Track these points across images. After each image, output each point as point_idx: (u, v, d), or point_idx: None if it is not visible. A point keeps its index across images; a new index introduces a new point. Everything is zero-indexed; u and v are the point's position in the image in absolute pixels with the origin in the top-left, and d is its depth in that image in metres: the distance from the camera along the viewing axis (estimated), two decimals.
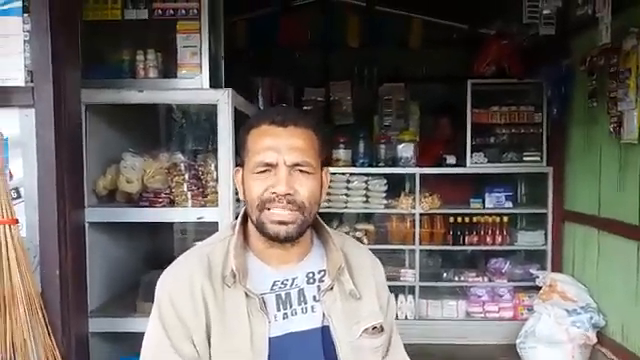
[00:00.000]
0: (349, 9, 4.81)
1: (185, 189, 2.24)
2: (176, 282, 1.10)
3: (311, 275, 1.15)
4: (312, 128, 1.13)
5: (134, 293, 2.37)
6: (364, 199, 4.01)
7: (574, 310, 3.28)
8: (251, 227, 1.13)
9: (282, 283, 1.12)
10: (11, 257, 1.55)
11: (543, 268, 3.95)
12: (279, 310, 1.10)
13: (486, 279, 4.05)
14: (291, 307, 1.11)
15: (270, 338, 1.06)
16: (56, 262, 1.62)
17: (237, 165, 1.18)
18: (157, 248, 2.94)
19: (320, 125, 1.18)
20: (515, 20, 3.65)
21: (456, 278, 4.09)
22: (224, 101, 2.17)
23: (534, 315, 3.52)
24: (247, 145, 1.11)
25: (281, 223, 1.06)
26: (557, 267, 3.90)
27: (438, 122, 4.45)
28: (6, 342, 1.55)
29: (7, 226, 1.55)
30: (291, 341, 1.09)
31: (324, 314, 1.11)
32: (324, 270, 1.15)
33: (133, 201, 2.30)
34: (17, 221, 1.58)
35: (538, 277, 3.78)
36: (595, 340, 3.18)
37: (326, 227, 1.21)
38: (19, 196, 1.64)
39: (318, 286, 1.13)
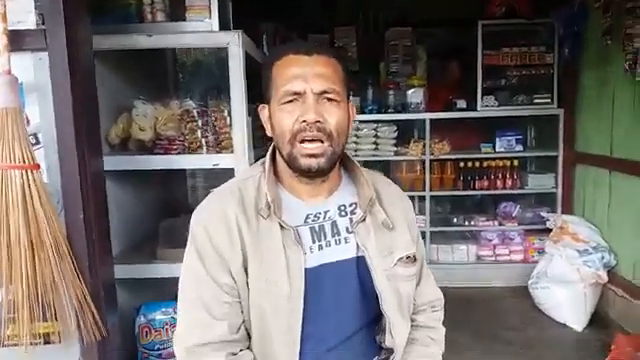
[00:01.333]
0: None
1: (199, 136, 2.22)
2: (211, 215, 1.11)
3: (343, 208, 1.17)
4: (336, 57, 1.12)
5: (152, 240, 2.40)
6: (374, 146, 3.99)
7: (585, 250, 3.31)
8: (281, 163, 1.15)
9: (315, 216, 1.14)
10: (36, 202, 1.55)
11: (553, 211, 3.97)
12: (314, 242, 1.12)
13: (496, 223, 4.08)
14: (325, 239, 1.13)
15: (306, 269, 1.08)
16: (79, 206, 1.62)
17: (262, 102, 1.16)
18: (171, 196, 2.96)
19: (343, 56, 1.16)
20: None
21: (466, 223, 4.12)
22: (235, 43, 2.12)
23: (545, 257, 3.57)
24: (272, 78, 1.10)
25: (312, 156, 1.07)
26: (567, 209, 3.92)
27: (447, 66, 4.37)
28: (37, 283, 1.57)
29: (29, 171, 1.54)
30: (326, 271, 1.11)
31: (358, 245, 1.13)
32: (355, 203, 1.17)
33: (146, 149, 2.29)
34: (39, 166, 1.57)
35: (549, 220, 3.80)
36: (606, 279, 3.22)
37: (356, 162, 1.22)
38: (38, 142, 1.62)
39: (350, 218, 1.15)
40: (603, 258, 3.27)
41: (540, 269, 3.53)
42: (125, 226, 2.40)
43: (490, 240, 4.04)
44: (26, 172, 1.55)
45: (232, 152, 2.19)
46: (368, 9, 4.74)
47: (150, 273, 2.26)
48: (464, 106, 3.99)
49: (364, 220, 1.14)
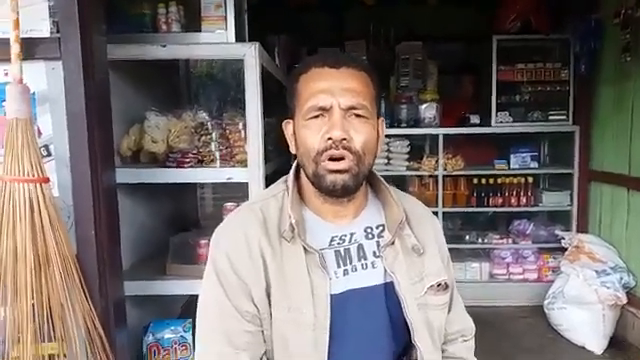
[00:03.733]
0: None
1: (213, 149, 2.16)
2: (232, 239, 1.05)
3: (370, 230, 1.10)
4: (366, 70, 1.05)
5: (162, 255, 2.32)
6: (385, 161, 3.92)
7: (603, 271, 3.23)
8: (305, 182, 1.09)
9: (340, 239, 1.07)
10: (44, 217, 1.48)
11: (568, 229, 3.90)
12: (339, 266, 1.05)
13: (510, 241, 4.00)
14: (351, 263, 1.06)
15: (331, 295, 1.01)
16: (91, 222, 1.55)
17: (287, 118, 1.10)
18: (181, 210, 2.89)
19: (373, 69, 1.09)
20: None
21: (479, 240, 4.04)
22: (251, 55, 2.06)
23: (561, 276, 3.48)
24: (297, 93, 1.05)
25: (337, 172, 1.00)
26: (582, 228, 3.84)
27: (459, 81, 4.33)
28: (43, 306, 1.50)
29: (38, 185, 1.47)
30: (353, 298, 1.03)
31: (386, 270, 1.06)
32: (382, 225, 1.11)
33: (158, 162, 2.22)
34: (48, 180, 1.50)
35: (564, 238, 3.72)
36: (625, 300, 3.13)
37: (383, 181, 1.15)
38: (49, 154, 1.55)
39: (377, 241, 1.09)
40: (622, 279, 3.19)
41: (556, 289, 3.44)
42: (133, 240, 2.32)
43: (503, 258, 3.96)
44: (35, 186, 1.48)
45: (246, 166, 2.12)
46: (378, 23, 4.71)
47: (159, 290, 2.18)
48: (478, 122, 3.94)
49: (392, 244, 1.07)
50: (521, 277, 3.93)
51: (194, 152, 2.13)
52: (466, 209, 4.04)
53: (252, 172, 2.10)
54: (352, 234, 1.08)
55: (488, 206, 3.98)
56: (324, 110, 1.00)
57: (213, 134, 2.14)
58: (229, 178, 2.10)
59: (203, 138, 2.14)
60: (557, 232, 3.87)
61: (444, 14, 4.58)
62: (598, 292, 3.16)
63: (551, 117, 3.90)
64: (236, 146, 2.16)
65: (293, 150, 1.09)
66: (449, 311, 1.18)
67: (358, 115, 1.01)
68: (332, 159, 1.00)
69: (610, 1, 3.37)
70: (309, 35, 4.53)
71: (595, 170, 3.74)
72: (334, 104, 0.99)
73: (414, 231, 1.11)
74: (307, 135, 1.01)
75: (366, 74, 1.05)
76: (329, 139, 0.99)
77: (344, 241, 1.07)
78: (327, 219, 1.08)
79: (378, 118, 1.08)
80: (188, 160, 2.11)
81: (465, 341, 1.23)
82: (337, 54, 1.13)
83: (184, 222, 2.62)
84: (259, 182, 2.09)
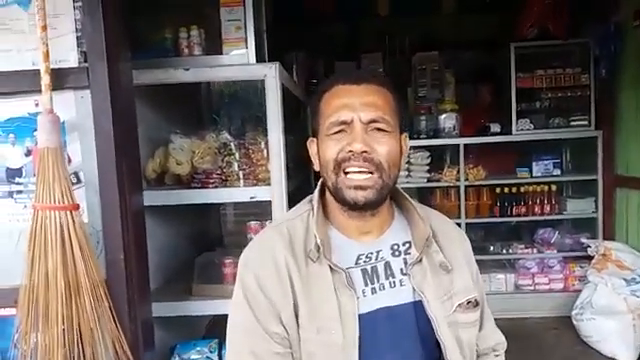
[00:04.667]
0: None
1: (236, 168, 2.18)
2: (260, 260, 1.05)
3: (396, 247, 1.09)
4: (387, 86, 1.07)
5: (187, 276, 2.34)
6: (406, 173, 3.90)
7: (633, 279, 3.16)
8: (330, 199, 1.09)
9: (367, 257, 1.07)
10: (74, 244, 1.50)
11: (593, 237, 3.82)
12: (366, 285, 1.04)
13: (535, 250, 3.94)
14: (378, 281, 1.05)
15: (359, 315, 1.00)
16: (120, 247, 1.57)
17: (308, 135, 1.13)
18: (205, 230, 2.91)
19: (394, 86, 1.10)
20: None
21: (504, 251, 3.99)
22: (272, 75, 2.09)
23: (588, 285, 3.40)
24: (320, 110, 1.07)
25: (358, 188, 1.00)
26: (609, 235, 3.76)
27: (477, 90, 4.30)
28: (73, 331, 1.52)
29: (69, 212, 1.50)
30: (381, 317, 1.03)
31: (414, 289, 1.05)
32: (409, 242, 1.10)
33: (183, 183, 2.25)
34: (78, 206, 1.53)
35: (590, 246, 3.63)
36: None
37: (408, 197, 1.14)
38: (79, 181, 1.58)
39: (404, 259, 1.08)
40: None
41: (584, 299, 3.37)
42: (159, 262, 2.34)
43: (529, 268, 3.89)
44: (66, 213, 1.51)
45: (269, 184, 2.14)
46: (393, 34, 4.71)
47: (185, 310, 2.19)
48: (498, 130, 3.90)
49: (420, 261, 1.06)
50: (547, 287, 3.86)
51: (218, 172, 2.15)
52: (489, 219, 3.99)
53: (275, 190, 2.11)
54: (378, 252, 1.08)
55: (511, 216, 3.93)
56: (345, 124, 1.01)
57: (236, 154, 2.17)
58: (252, 197, 2.12)
59: (226, 158, 2.17)
60: (583, 240, 3.79)
61: (460, 22, 4.57)
62: (627, 301, 3.09)
63: (573, 123, 3.85)
64: (259, 165, 2.18)
65: (317, 167, 1.09)
66: (481, 328, 1.16)
67: (380, 129, 1.01)
68: (352, 172, 1.00)
69: (630, 3, 3.33)
70: (325, 49, 4.55)
71: (620, 175, 3.68)
72: (355, 118, 1.00)
73: (441, 247, 1.10)
74: (328, 147, 1.03)
75: (387, 90, 1.06)
76: (350, 151, 1.00)
77: (370, 259, 1.07)
78: (353, 237, 1.08)
79: (401, 134, 1.08)
80: (212, 181, 2.14)
81: (497, 356, 1.22)
82: (359, 71, 1.15)
83: (208, 242, 2.64)
84: (282, 200, 2.10)
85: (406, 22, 4.62)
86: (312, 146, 1.11)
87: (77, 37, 1.54)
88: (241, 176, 2.15)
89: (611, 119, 3.73)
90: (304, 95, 3.47)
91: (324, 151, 1.04)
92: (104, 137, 1.54)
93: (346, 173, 1.01)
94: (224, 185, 2.16)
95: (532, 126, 3.83)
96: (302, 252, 1.04)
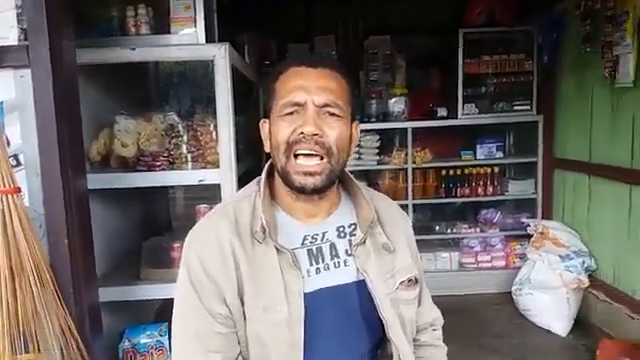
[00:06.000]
0: None
1: (184, 151, 2.17)
2: (204, 241, 1.06)
3: (342, 229, 1.12)
4: (342, 72, 1.08)
5: (135, 260, 2.32)
6: (357, 156, 3.97)
7: (567, 255, 3.36)
8: (277, 181, 1.10)
9: (312, 238, 1.09)
10: (16, 228, 1.47)
11: (533, 216, 4.02)
12: (311, 265, 1.07)
13: (478, 230, 4.11)
14: (323, 262, 1.08)
15: (305, 293, 1.03)
16: (64, 230, 1.55)
17: (265, 117, 1.12)
18: (153, 214, 2.87)
19: (350, 72, 1.12)
20: None
21: (448, 230, 4.14)
22: (221, 56, 2.08)
23: (527, 263, 3.61)
24: (274, 91, 1.07)
25: (307, 174, 1.02)
26: (547, 215, 3.97)
27: (427, 74, 4.39)
28: (18, 314, 1.49)
29: (9, 196, 1.46)
30: (326, 296, 1.06)
31: (358, 269, 1.09)
32: (354, 224, 1.13)
33: (129, 166, 2.21)
34: (19, 190, 1.49)
35: (529, 225, 3.84)
36: (587, 283, 3.27)
37: (354, 180, 1.17)
38: (19, 163, 1.54)
39: (349, 240, 1.11)
40: (584, 263, 3.32)
41: (523, 275, 3.57)
42: (106, 246, 2.31)
43: (472, 247, 4.07)
44: (6, 197, 1.47)
45: (218, 167, 2.14)
46: (347, 18, 4.73)
47: (134, 295, 2.19)
48: (445, 114, 4.02)
49: (364, 242, 1.10)
50: (489, 265, 4.05)
51: (165, 155, 2.13)
52: (435, 200, 4.13)
53: (224, 173, 2.11)
54: (324, 233, 1.10)
55: (456, 197, 4.08)
56: (298, 106, 1.02)
57: (184, 136, 2.15)
58: (201, 180, 2.11)
59: (174, 140, 2.15)
60: (523, 220, 4.00)
61: (412, 7, 4.61)
62: (562, 276, 3.29)
63: (516, 107, 4.00)
64: (208, 147, 2.17)
65: (267, 149, 1.10)
66: (419, 304, 1.23)
67: (332, 114, 1.03)
68: (302, 155, 1.01)
69: None
70: (279, 30, 4.52)
71: (558, 158, 3.86)
72: (308, 100, 1.01)
73: (385, 229, 1.14)
74: (280, 129, 1.03)
75: (341, 76, 1.07)
76: (301, 133, 1.01)
77: (316, 240, 1.09)
78: (299, 218, 1.10)
79: (353, 122, 1.10)
80: (159, 163, 2.12)
81: (434, 330, 1.28)
82: (315, 55, 1.16)
83: (156, 226, 2.61)
84: (231, 183, 2.11)
85: (359, 6, 4.65)
86: (264, 127, 1.12)
87: (17, 14, 1.48)
88: (189, 159, 2.14)
89: (551, 104, 3.90)
90: (256, 76, 3.45)
91: (276, 132, 1.04)
92: (45, 118, 1.49)
93: (296, 156, 1.02)
94: (171, 168, 2.14)
95: (477, 110, 3.96)
96: (248, 233, 1.05)
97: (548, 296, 3.32)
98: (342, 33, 4.71)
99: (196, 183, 2.14)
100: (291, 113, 1.02)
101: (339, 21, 4.72)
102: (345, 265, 1.09)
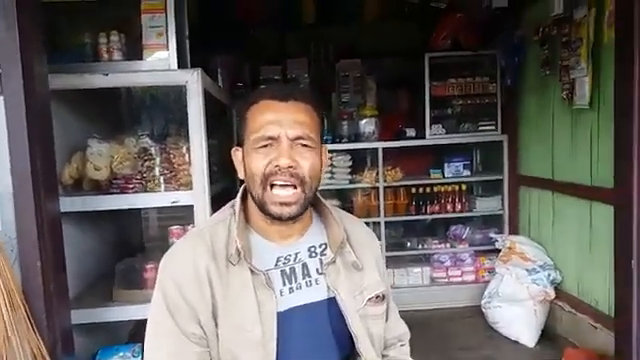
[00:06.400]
0: None
1: (157, 173, 2.20)
2: (180, 264, 1.09)
3: (313, 249, 1.17)
4: (312, 104, 1.14)
5: (108, 282, 2.33)
6: (330, 175, 4.05)
7: (533, 269, 3.47)
8: (252, 205, 1.14)
9: (285, 258, 1.14)
10: None
11: (501, 232, 4.15)
12: (284, 285, 1.12)
13: (448, 245, 4.21)
14: (296, 281, 1.13)
15: (278, 313, 1.07)
16: (36, 254, 1.56)
17: (237, 145, 1.16)
18: (126, 236, 2.88)
19: (319, 102, 1.18)
20: None
21: (420, 246, 4.23)
22: (193, 81, 2.13)
23: (496, 277, 3.71)
24: (247, 122, 1.11)
25: (283, 204, 1.07)
26: (514, 230, 4.10)
27: (396, 96, 4.52)
28: None
29: None
30: (298, 314, 1.11)
31: (329, 287, 1.14)
32: (325, 243, 1.18)
33: (102, 189, 2.23)
34: None
35: (497, 240, 3.97)
36: (553, 295, 3.38)
37: (324, 202, 1.23)
38: None
39: (320, 259, 1.16)
40: (550, 275, 3.42)
41: (492, 289, 3.66)
42: (79, 268, 2.31)
43: (443, 262, 4.16)
44: None
45: (191, 189, 2.18)
46: (319, 41, 4.85)
47: (106, 316, 2.19)
48: (413, 134, 4.15)
49: (334, 262, 1.15)
50: (460, 279, 4.15)
51: (138, 177, 2.16)
52: (406, 217, 4.23)
53: (197, 195, 2.15)
54: (297, 253, 1.15)
55: (426, 214, 4.19)
56: (272, 139, 1.06)
57: (157, 159, 2.18)
58: (174, 202, 2.15)
59: (147, 163, 2.18)
60: (491, 235, 4.13)
61: (381, 32, 4.77)
62: (529, 289, 3.40)
63: (481, 127, 4.15)
64: (181, 169, 2.21)
65: (241, 176, 1.14)
66: (387, 319, 1.28)
67: (304, 145, 1.08)
68: (278, 186, 1.06)
69: (531, 19, 3.63)
70: (252, 53, 4.60)
71: (523, 175, 4.00)
72: (282, 134, 1.06)
73: (354, 248, 1.19)
74: (255, 160, 1.07)
75: (312, 107, 1.13)
76: (276, 166, 1.05)
77: (289, 260, 1.14)
78: (273, 240, 1.14)
79: (322, 145, 1.15)
80: (132, 186, 2.15)
81: (402, 345, 1.33)
82: (286, 86, 1.21)
83: (129, 247, 2.62)
84: (204, 204, 2.15)
85: (331, 30, 4.78)
86: (237, 154, 1.15)
87: None
88: (162, 181, 2.17)
89: (515, 124, 4.06)
90: (229, 99, 3.52)
91: (250, 163, 1.08)
92: (18, 144, 1.52)
93: (272, 186, 1.06)
94: (144, 190, 2.17)
95: (444, 131, 4.10)
96: (223, 257, 1.08)
97: (516, 308, 3.41)
98: (314, 56, 4.83)
99: (169, 205, 2.17)
100: (265, 146, 1.06)
101: (311, 44, 4.83)
102: (316, 283, 1.14)
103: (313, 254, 1.17)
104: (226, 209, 1.19)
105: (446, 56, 4.11)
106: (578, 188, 3.19)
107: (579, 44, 2.93)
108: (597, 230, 3.03)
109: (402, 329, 1.34)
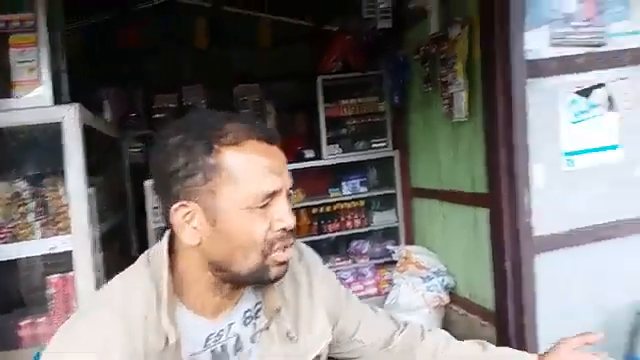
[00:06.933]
0: (194, 10, 4.76)
1: (32, 219, 2.09)
2: (85, 352, 0.80)
3: (248, 313, 1.00)
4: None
5: None
6: None
7: (427, 276, 3.64)
8: (189, 272, 0.90)
9: (217, 335, 0.95)
10: None
11: (397, 243, 4.33)
12: None
13: (350, 261, 4.34)
14: (228, 359, 0.97)
15: None
16: None
17: (181, 199, 0.85)
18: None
19: None
20: (356, 15, 3.93)
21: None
22: (70, 117, 2.05)
23: (394, 287, 3.84)
24: (223, 171, 0.83)
25: (284, 263, 0.90)
26: (409, 240, 4.30)
27: (294, 119, 4.64)
28: None
29: None
30: None
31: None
32: (260, 302, 1.00)
33: None
34: None
35: (394, 252, 4.12)
36: (448, 300, 3.58)
37: None
38: None
39: (254, 324, 0.99)
40: (444, 281, 3.61)
41: (391, 299, 3.79)
42: None
43: (345, 279, 4.27)
44: None
45: (70, 233, 2.08)
46: (214, 66, 4.85)
47: None
48: (312, 155, 4.26)
49: (267, 328, 0.98)
50: (363, 293, 4.24)
51: (10, 226, 2.04)
52: (309, 238, 4.26)
53: (77, 239, 2.07)
54: (231, 325, 0.96)
55: (328, 232, 4.31)
56: (274, 194, 0.86)
57: (31, 204, 2.08)
58: (52, 248, 2.05)
59: (20, 209, 2.07)
60: (388, 247, 4.29)
61: (275, 55, 4.88)
62: (424, 296, 3.57)
63: (374, 145, 4.34)
64: (58, 213, 2.12)
65: (193, 241, 0.86)
66: (375, 325, 1.17)
67: (289, 194, 0.91)
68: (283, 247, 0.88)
69: (413, 39, 3.86)
70: (144, 81, 4.52)
71: (415, 187, 4.22)
72: (284, 188, 0.87)
73: (299, 303, 1.03)
74: (253, 225, 0.84)
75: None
76: (283, 229, 0.86)
77: (221, 337, 0.95)
78: (205, 315, 0.93)
79: None
80: (3, 235, 2.02)
81: (404, 331, 1.21)
82: (257, 122, 0.92)
83: (5, 302, 2.42)
84: (86, 248, 2.06)
85: (225, 55, 4.82)
86: (182, 213, 0.85)
87: None
88: (38, 226, 2.07)
89: (405, 140, 4.28)
90: (119, 131, 3.42)
91: (243, 228, 0.84)
92: None
93: (277, 251, 0.87)
94: (16, 239, 2.05)
95: (340, 150, 4.26)
96: (141, 344, 0.83)
97: (413, 316, 3.53)
98: (210, 82, 4.82)
99: (47, 252, 2.07)
100: (265, 205, 0.85)
101: (206, 70, 4.83)
102: (250, 355, 0.98)
103: (247, 320, 0.98)
104: (140, 270, 0.91)
105: (337, 78, 4.28)
106: (462, 196, 3.39)
107: (455, 60, 3.13)
108: (481, 234, 3.18)
109: (397, 318, 1.24)
